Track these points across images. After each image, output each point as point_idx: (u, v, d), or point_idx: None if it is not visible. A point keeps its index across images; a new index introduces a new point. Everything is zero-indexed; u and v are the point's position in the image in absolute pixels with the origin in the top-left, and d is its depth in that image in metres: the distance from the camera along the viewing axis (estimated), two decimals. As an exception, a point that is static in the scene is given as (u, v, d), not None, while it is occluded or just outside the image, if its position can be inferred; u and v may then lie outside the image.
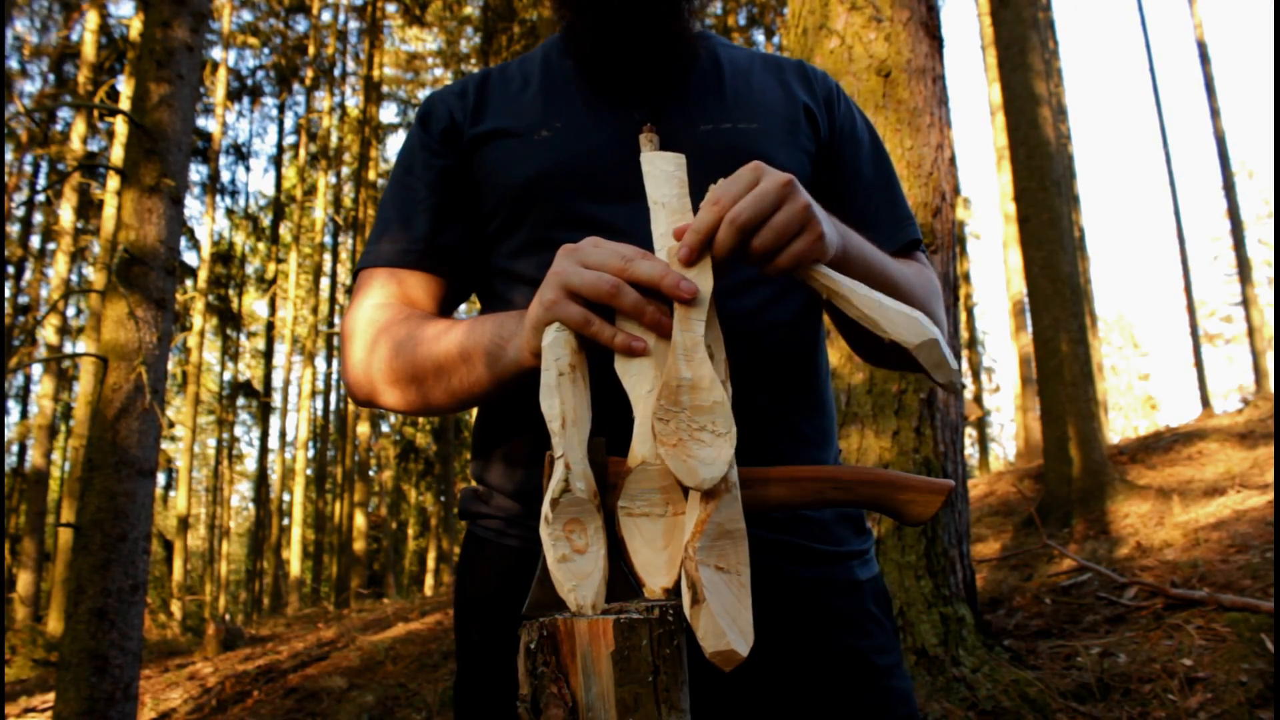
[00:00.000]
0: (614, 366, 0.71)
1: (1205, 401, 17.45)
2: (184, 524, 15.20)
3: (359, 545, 16.25)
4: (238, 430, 26.63)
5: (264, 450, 20.87)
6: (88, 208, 15.28)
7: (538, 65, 1.03)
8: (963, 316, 19.03)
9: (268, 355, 21.49)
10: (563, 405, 0.67)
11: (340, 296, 20.37)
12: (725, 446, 0.67)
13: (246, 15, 18.90)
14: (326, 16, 20.12)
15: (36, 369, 15.99)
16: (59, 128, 15.32)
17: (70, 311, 17.44)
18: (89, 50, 13.09)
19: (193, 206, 18.76)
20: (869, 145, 1.07)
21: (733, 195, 0.70)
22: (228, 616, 17.82)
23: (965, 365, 16.89)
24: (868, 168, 1.05)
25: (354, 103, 21.33)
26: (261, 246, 22.18)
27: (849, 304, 0.71)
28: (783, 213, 0.71)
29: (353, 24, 20.40)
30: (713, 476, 0.66)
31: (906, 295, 0.93)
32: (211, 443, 26.49)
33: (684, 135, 0.93)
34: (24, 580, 11.67)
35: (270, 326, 21.27)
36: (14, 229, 15.89)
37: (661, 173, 0.77)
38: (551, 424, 0.67)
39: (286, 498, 23.34)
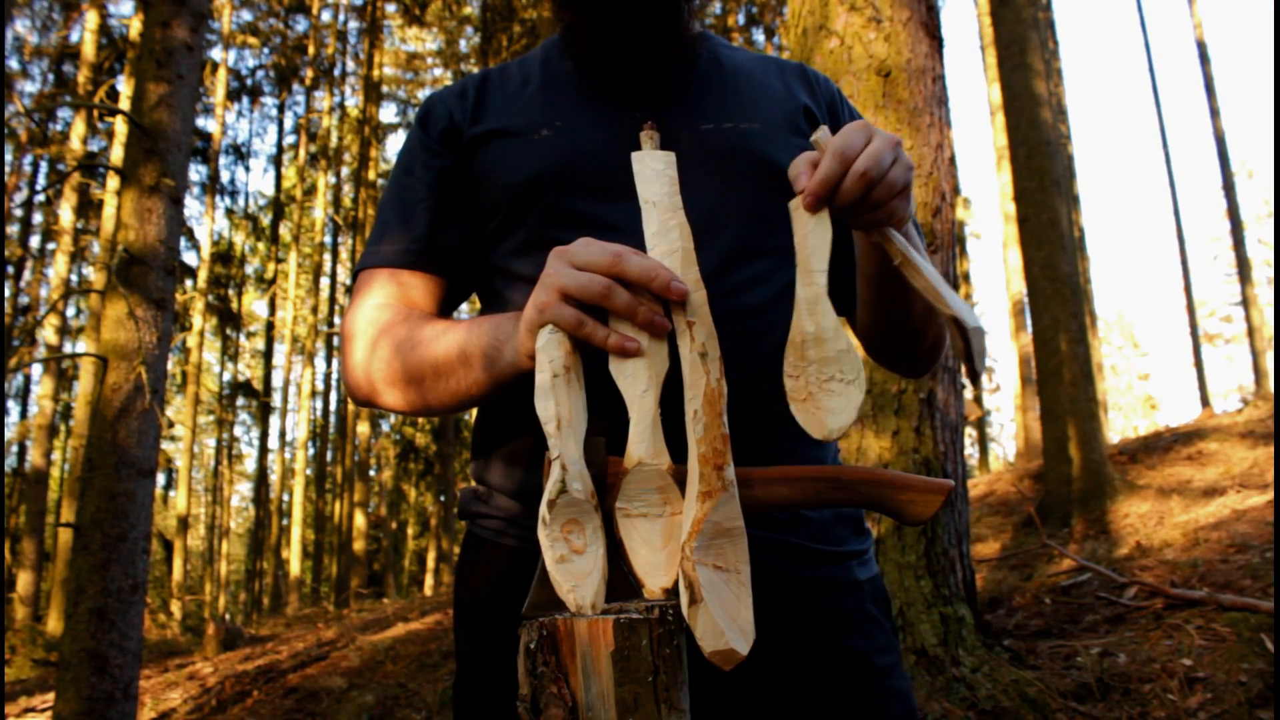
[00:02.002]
0: (608, 367, 0.71)
1: (1205, 401, 17.46)
2: (184, 524, 15.20)
3: (359, 545, 16.25)
4: (237, 430, 26.65)
5: (264, 450, 20.87)
6: (88, 208, 15.28)
7: (538, 65, 1.03)
8: (963, 316, 18.93)
9: (267, 355, 21.49)
10: (558, 407, 0.67)
11: (340, 296, 20.38)
12: (855, 393, 0.68)
13: (246, 15, 18.90)
14: (326, 16, 20.13)
15: (36, 369, 16.00)
16: (59, 128, 15.33)
17: (70, 311, 17.45)
18: (89, 50, 13.09)
19: (192, 206, 18.77)
20: None
21: (856, 149, 0.72)
22: (227, 616, 17.82)
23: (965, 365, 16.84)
24: None
25: (354, 103, 21.33)
26: (261, 246, 22.18)
27: (918, 273, 0.72)
28: (896, 169, 0.73)
29: (353, 24, 20.41)
30: (841, 425, 0.68)
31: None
32: (211, 443, 26.49)
33: (685, 134, 0.93)
34: (24, 580, 11.67)
35: (270, 326, 21.27)
36: (14, 229, 15.89)
37: (652, 171, 0.77)
38: (547, 426, 0.67)
39: (286, 498, 23.35)
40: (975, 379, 0.69)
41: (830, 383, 0.70)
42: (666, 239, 0.74)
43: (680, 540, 0.68)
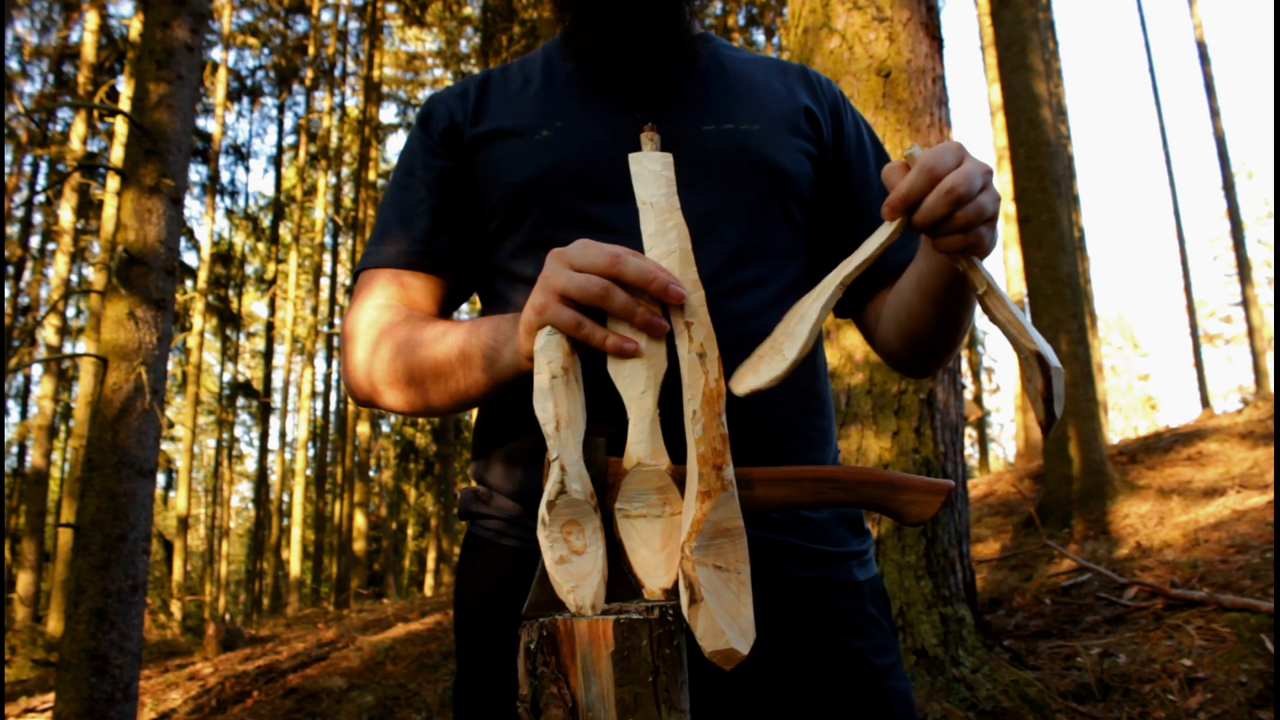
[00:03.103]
0: (607, 368, 0.71)
1: (1205, 402, 17.46)
2: (184, 524, 15.20)
3: (359, 545, 16.25)
4: (238, 430, 26.65)
5: (264, 450, 20.87)
6: (88, 208, 15.28)
7: (538, 66, 1.03)
8: (963, 316, 18.95)
9: (267, 356, 21.49)
10: (556, 408, 0.68)
11: (340, 297, 20.38)
12: (780, 366, 0.70)
13: (246, 15, 18.90)
14: (326, 16, 20.13)
15: (36, 369, 16.00)
16: (59, 128, 15.33)
17: (70, 312, 17.45)
18: (89, 50, 13.09)
19: (193, 207, 18.77)
20: (874, 155, 1.07)
21: (947, 166, 0.70)
22: (227, 617, 17.82)
23: (965, 365, 16.89)
24: (875, 177, 1.05)
25: (354, 103, 21.33)
26: (261, 247, 22.18)
27: (1002, 305, 0.71)
28: (985, 195, 0.72)
29: (353, 24, 20.41)
30: (750, 387, 0.70)
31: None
32: (211, 443, 26.49)
33: (686, 135, 0.93)
34: (24, 580, 11.67)
35: (270, 327, 21.27)
36: (14, 229, 15.89)
37: (649, 172, 0.77)
38: (546, 427, 0.67)
39: (286, 498, 23.35)
40: (1050, 421, 0.69)
41: (774, 350, 0.72)
42: (664, 240, 0.74)
43: (680, 540, 0.68)
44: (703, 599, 0.62)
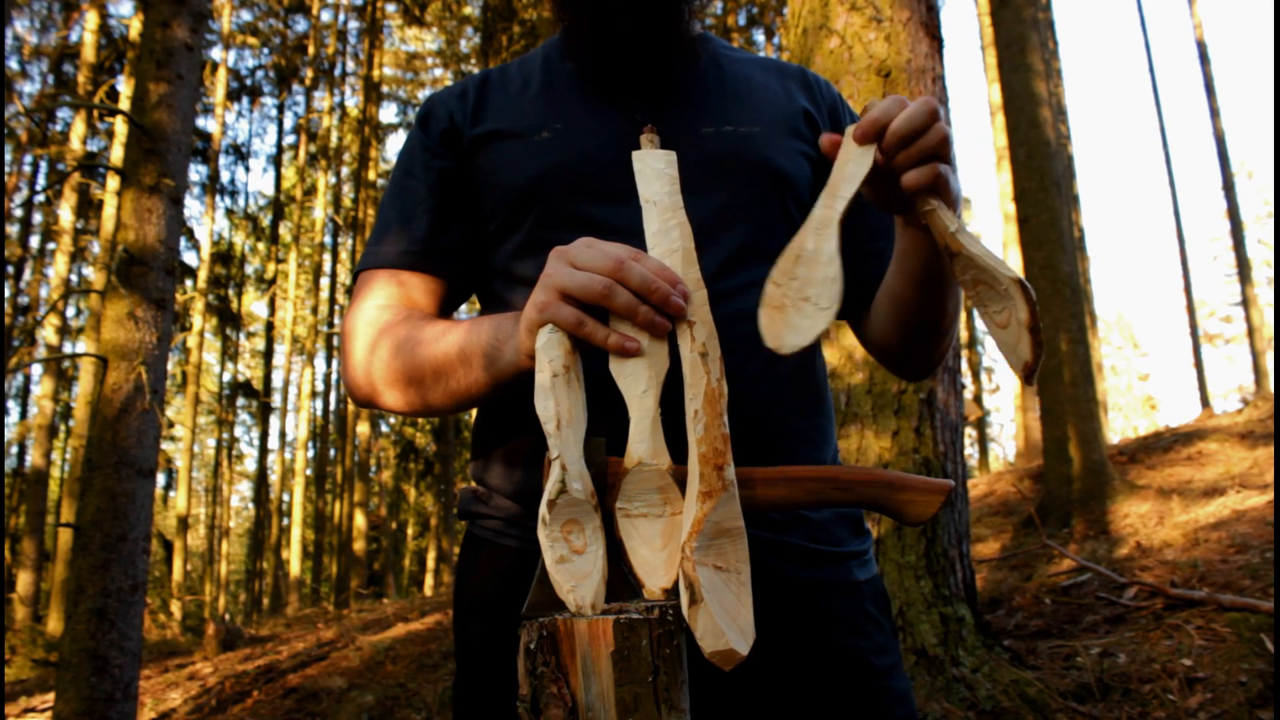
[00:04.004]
0: (609, 367, 0.71)
1: (1205, 401, 17.46)
2: (184, 524, 15.20)
3: (359, 545, 16.25)
4: (238, 430, 26.64)
5: (264, 450, 20.87)
6: (87, 208, 15.28)
7: (538, 66, 1.03)
8: (963, 316, 19.01)
9: (267, 355, 21.49)
10: (557, 406, 0.67)
11: (340, 296, 20.38)
12: (822, 320, 0.69)
13: (246, 15, 18.90)
14: (326, 16, 20.13)
15: (36, 369, 16.00)
16: (59, 128, 15.33)
17: (70, 311, 17.45)
18: (89, 50, 13.09)
19: (192, 206, 18.77)
20: None
21: (906, 102, 0.74)
22: (227, 616, 17.82)
23: (965, 365, 16.89)
24: None
25: (354, 103, 21.33)
26: (261, 246, 22.18)
27: (973, 242, 0.71)
28: (940, 125, 0.73)
29: (352, 24, 20.41)
30: (796, 344, 0.68)
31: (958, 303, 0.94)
32: (211, 443, 26.50)
33: (685, 137, 0.93)
34: (24, 580, 11.67)
35: (270, 327, 21.27)
36: (14, 229, 15.89)
37: (652, 170, 0.77)
38: (546, 425, 0.67)
39: (286, 498, 23.35)
40: (1039, 355, 0.68)
41: (805, 303, 0.70)
42: (667, 238, 0.74)
43: (680, 540, 0.68)
44: (703, 599, 0.62)
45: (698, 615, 0.62)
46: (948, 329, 0.96)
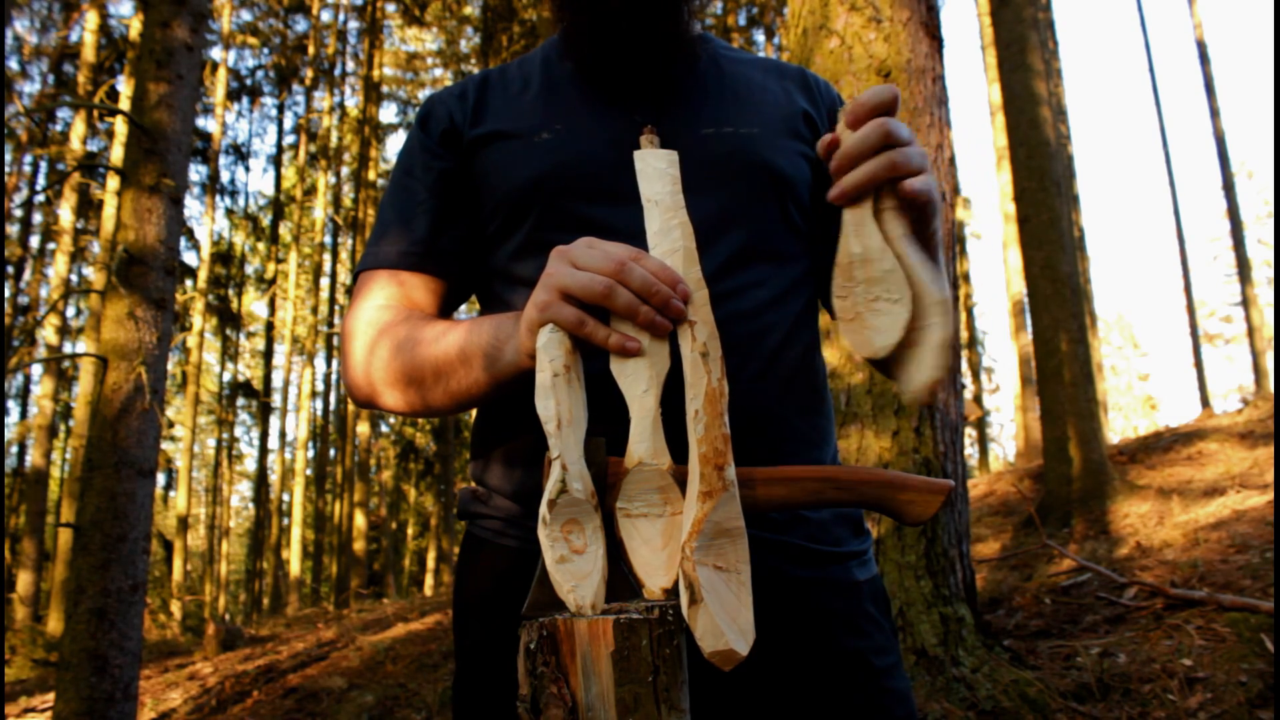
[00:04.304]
0: (609, 367, 0.71)
1: (1205, 401, 17.46)
2: (184, 524, 15.20)
3: (359, 545, 16.25)
4: (238, 430, 26.65)
5: (264, 450, 20.87)
6: (87, 208, 15.28)
7: (537, 67, 1.03)
8: (963, 316, 19.03)
9: (267, 355, 21.49)
10: (558, 406, 0.67)
11: (340, 296, 20.38)
12: (901, 312, 0.68)
13: (246, 15, 18.90)
14: (326, 16, 20.13)
15: (36, 369, 16.00)
16: (59, 128, 15.33)
17: (70, 311, 17.46)
18: (89, 50, 13.09)
19: (192, 206, 18.78)
20: None
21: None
22: (227, 616, 17.82)
23: (965, 365, 16.89)
24: None
25: (354, 103, 21.33)
26: (261, 246, 22.18)
27: (916, 249, 0.72)
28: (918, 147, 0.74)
29: (352, 24, 20.41)
30: (887, 344, 0.68)
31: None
32: (211, 443, 26.50)
33: (685, 138, 0.93)
34: (24, 580, 11.67)
35: (270, 326, 21.27)
36: (14, 229, 15.89)
37: (654, 170, 0.77)
38: (547, 425, 0.67)
39: (286, 498, 23.35)
40: (945, 370, 0.69)
41: (877, 302, 0.70)
42: (668, 238, 0.74)
43: (681, 540, 0.68)
44: (703, 599, 0.62)
45: (697, 615, 0.62)
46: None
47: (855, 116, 0.73)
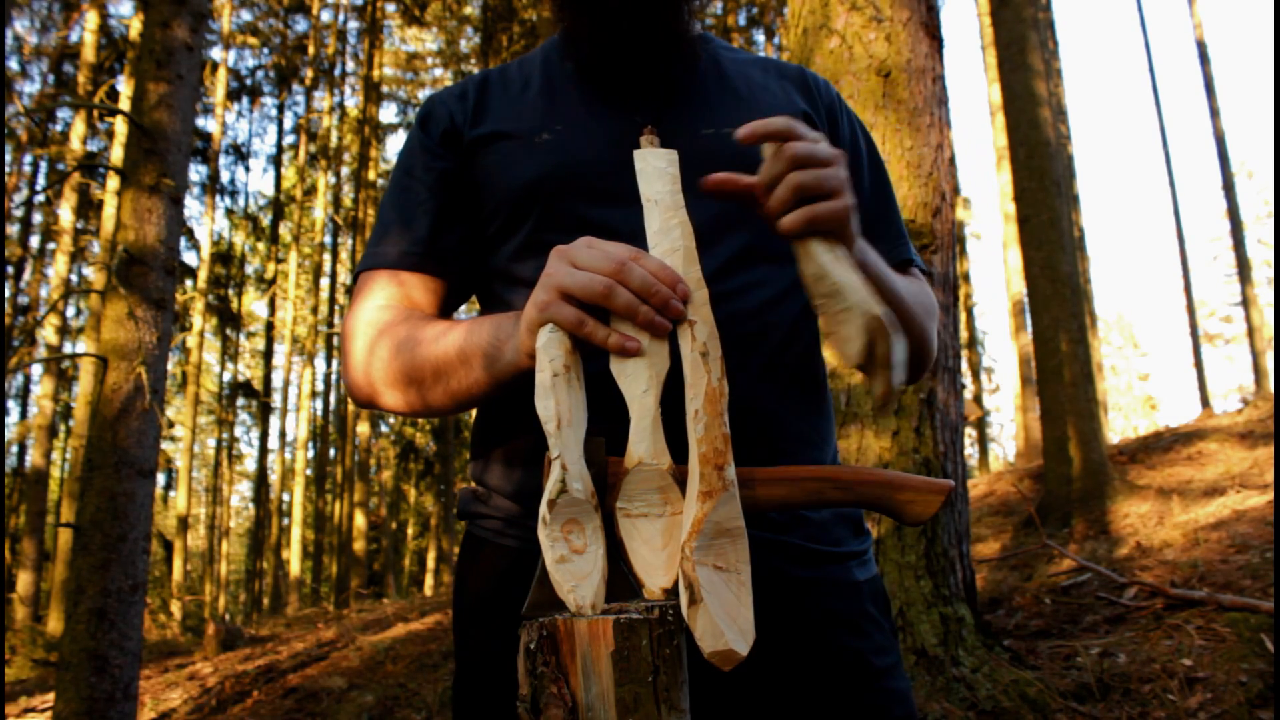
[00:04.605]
0: (609, 367, 0.71)
1: (1205, 401, 17.46)
2: (184, 524, 15.21)
3: (359, 545, 16.25)
4: (238, 430, 26.65)
5: (264, 450, 20.87)
6: (87, 208, 15.28)
7: (537, 67, 1.03)
8: (963, 316, 19.02)
9: (267, 355, 21.49)
10: (558, 406, 0.67)
11: (340, 296, 20.38)
12: (856, 317, 0.72)
13: (246, 15, 18.90)
14: (326, 16, 20.13)
15: (36, 369, 16.00)
16: (59, 128, 15.34)
17: (70, 311, 17.46)
18: (89, 50, 13.09)
19: (192, 206, 18.77)
20: (868, 161, 1.07)
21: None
22: (227, 616, 17.82)
23: (965, 365, 16.88)
24: (868, 186, 1.05)
25: (354, 103, 21.33)
26: (261, 246, 22.18)
27: (846, 274, 0.74)
28: (833, 170, 0.76)
29: (352, 24, 20.41)
30: (857, 351, 0.72)
31: (907, 312, 0.93)
32: (211, 443, 26.50)
33: (685, 139, 0.93)
34: (24, 580, 11.67)
35: (270, 326, 21.27)
36: (14, 229, 15.89)
37: (654, 169, 0.77)
38: (547, 425, 0.67)
39: (286, 498, 23.36)
40: (895, 387, 0.73)
41: (838, 315, 0.73)
42: (668, 237, 0.74)
43: (681, 540, 0.68)
44: (702, 599, 0.62)
45: (697, 615, 0.62)
46: (920, 331, 0.97)
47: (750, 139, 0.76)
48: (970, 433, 22.19)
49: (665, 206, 0.75)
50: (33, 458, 13.00)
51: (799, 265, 0.76)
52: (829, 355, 3.18)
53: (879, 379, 0.73)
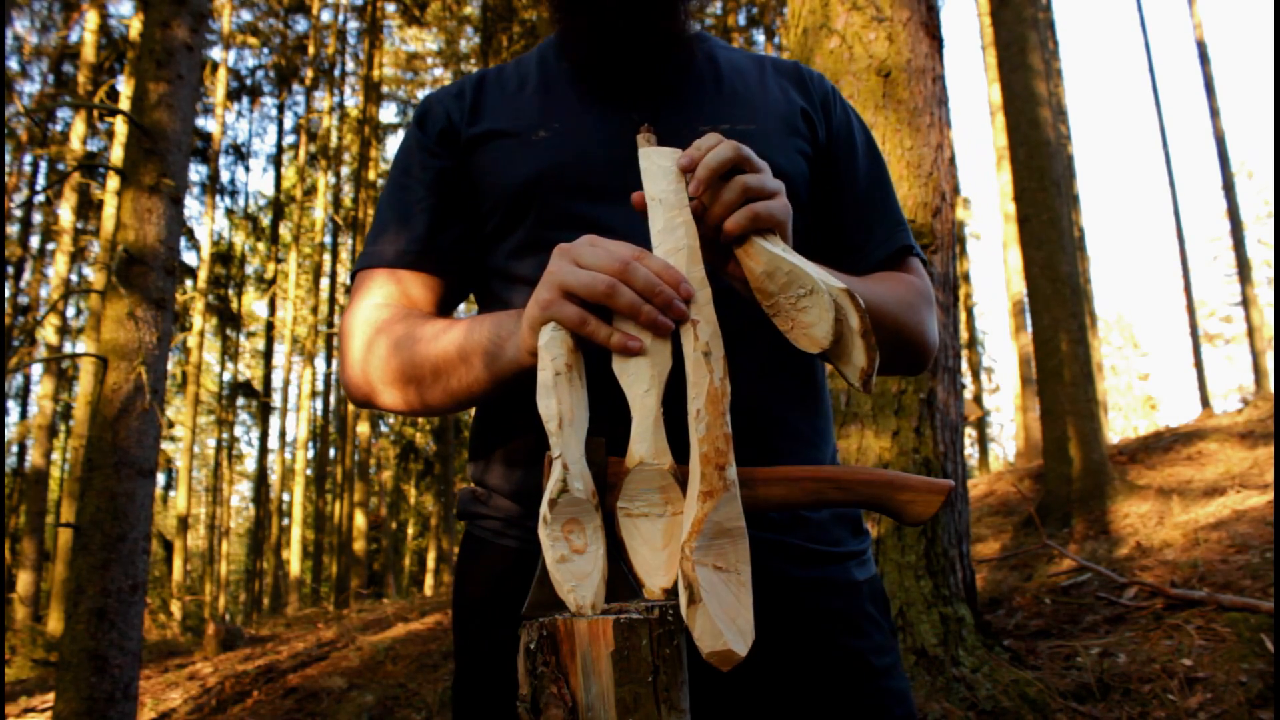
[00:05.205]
0: (611, 366, 0.71)
1: (1205, 401, 17.46)
2: (184, 524, 15.21)
3: (359, 545, 16.25)
4: (238, 430, 26.65)
5: (264, 450, 20.87)
6: (87, 208, 15.28)
7: (534, 66, 1.03)
8: (963, 316, 19.03)
9: (267, 355, 21.49)
10: (559, 405, 0.67)
11: (340, 296, 20.37)
12: (822, 298, 0.71)
13: (246, 15, 18.90)
14: (326, 16, 20.12)
15: (36, 369, 16.00)
16: (59, 128, 15.33)
17: (70, 311, 17.45)
18: (89, 50, 13.09)
19: (192, 206, 18.77)
20: (864, 150, 1.06)
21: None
22: (227, 616, 17.82)
23: (965, 365, 16.88)
24: (863, 174, 1.05)
25: (354, 103, 21.32)
26: (261, 246, 22.18)
27: (797, 258, 0.73)
28: (768, 175, 0.77)
29: (352, 24, 20.40)
30: (825, 333, 0.70)
31: (879, 307, 0.92)
32: (211, 443, 26.50)
33: (682, 136, 0.92)
34: (24, 580, 11.67)
35: (270, 326, 21.26)
36: (14, 229, 15.88)
37: (658, 168, 0.77)
38: (549, 424, 0.67)
39: (286, 498, 23.35)
40: (874, 362, 0.70)
41: (799, 301, 0.72)
42: (672, 236, 0.74)
43: (681, 540, 0.68)
44: (701, 600, 0.62)
45: (696, 615, 0.62)
46: (910, 328, 0.96)
47: (702, 183, 0.74)
48: (970, 433, 22.19)
49: (669, 205, 0.75)
50: (33, 458, 13.00)
51: (744, 268, 0.75)
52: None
53: (859, 350, 0.70)
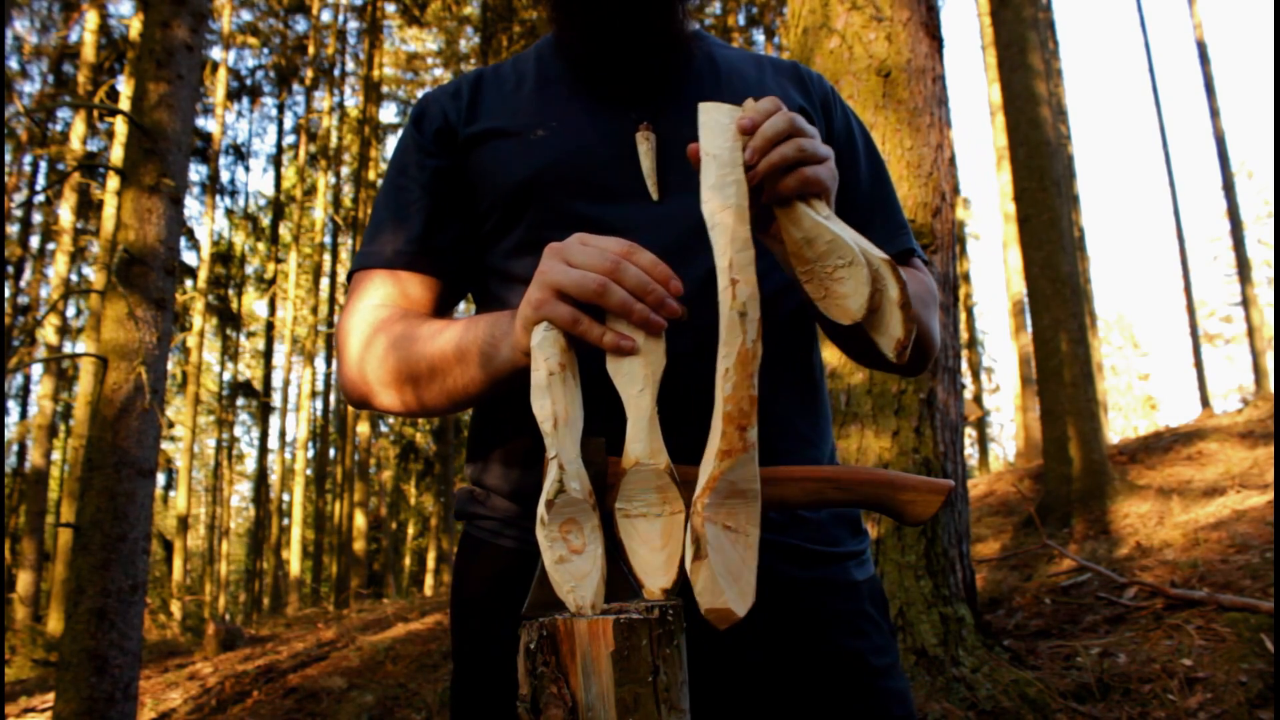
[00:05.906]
0: (605, 366, 0.71)
1: (1205, 401, 17.46)
2: (184, 524, 15.20)
3: (359, 545, 16.24)
4: (238, 430, 26.65)
5: (264, 450, 20.87)
6: (87, 208, 15.28)
7: (531, 65, 1.02)
8: (963, 316, 19.03)
9: (267, 355, 21.49)
10: (554, 405, 0.67)
11: (340, 296, 20.36)
12: (859, 270, 0.70)
13: (246, 15, 18.89)
14: (326, 16, 20.12)
15: (36, 369, 16.00)
16: (59, 128, 15.33)
17: (70, 311, 17.45)
18: (89, 50, 13.09)
19: (192, 206, 18.77)
20: (864, 151, 1.06)
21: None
22: (227, 616, 17.82)
23: (965, 365, 16.89)
24: (864, 175, 1.05)
25: (354, 103, 21.32)
26: (261, 246, 22.18)
27: (842, 227, 0.73)
28: (817, 139, 0.76)
29: (352, 24, 20.40)
30: (860, 305, 0.70)
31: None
32: (211, 443, 26.49)
33: (681, 135, 0.92)
34: (24, 580, 11.67)
35: (270, 326, 21.26)
36: (14, 229, 15.88)
37: (717, 124, 0.75)
38: (543, 425, 0.67)
39: (286, 498, 23.35)
40: (911, 333, 0.70)
41: (835, 271, 0.72)
42: (722, 193, 0.73)
43: (681, 540, 0.68)
44: (707, 555, 0.62)
45: (699, 570, 0.61)
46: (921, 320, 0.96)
47: (758, 151, 0.74)
48: (970, 433, 22.19)
49: (723, 162, 0.74)
50: (33, 458, 13.00)
51: (783, 234, 0.74)
52: (828, 354, 3.18)
53: (896, 322, 0.69)
